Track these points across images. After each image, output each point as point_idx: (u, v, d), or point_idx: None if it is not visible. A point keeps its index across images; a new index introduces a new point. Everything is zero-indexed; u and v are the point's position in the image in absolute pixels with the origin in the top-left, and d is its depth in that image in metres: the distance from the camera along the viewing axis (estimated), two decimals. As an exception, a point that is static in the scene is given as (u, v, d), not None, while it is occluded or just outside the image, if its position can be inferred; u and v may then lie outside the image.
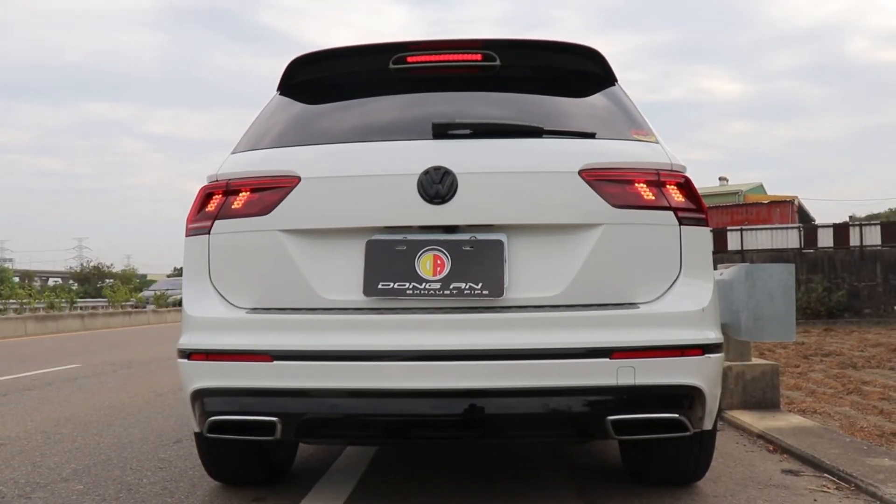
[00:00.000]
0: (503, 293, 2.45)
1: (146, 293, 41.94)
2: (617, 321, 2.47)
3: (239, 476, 3.30)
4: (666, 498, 3.08)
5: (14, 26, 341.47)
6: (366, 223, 2.55)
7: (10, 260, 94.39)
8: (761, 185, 49.39)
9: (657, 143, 2.73)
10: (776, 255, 23.48)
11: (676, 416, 2.46)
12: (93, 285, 68.27)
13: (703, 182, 48.35)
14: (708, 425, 2.61)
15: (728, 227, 26.86)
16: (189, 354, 2.59)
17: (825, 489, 3.28)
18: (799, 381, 7.13)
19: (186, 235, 2.75)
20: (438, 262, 2.48)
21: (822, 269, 22.92)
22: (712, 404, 2.56)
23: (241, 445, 3.08)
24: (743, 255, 23.86)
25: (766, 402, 5.08)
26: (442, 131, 2.63)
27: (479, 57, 2.94)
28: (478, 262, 2.47)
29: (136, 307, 35.58)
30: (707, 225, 2.67)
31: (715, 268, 3.33)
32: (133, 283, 62.78)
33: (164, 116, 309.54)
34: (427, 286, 2.45)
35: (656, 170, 2.59)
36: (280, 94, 3.11)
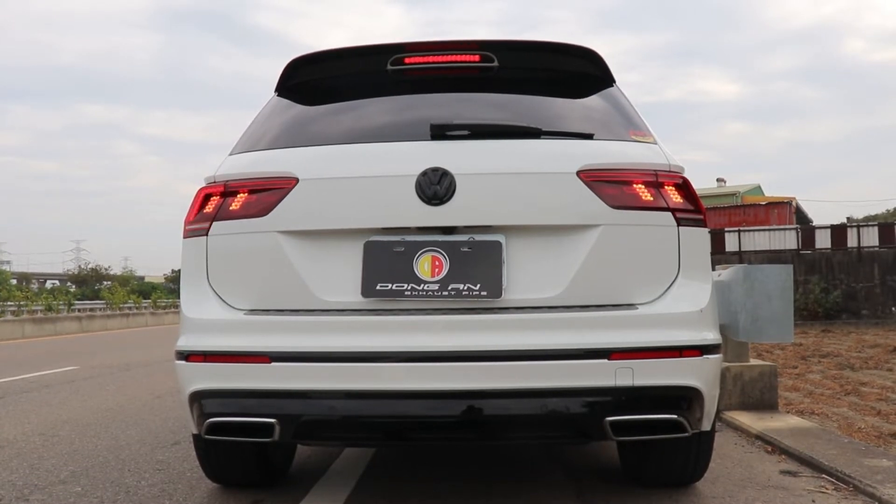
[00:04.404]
0: (501, 294, 2.45)
1: None
2: (615, 322, 2.46)
3: (237, 478, 3.29)
4: (664, 499, 3.08)
5: (8, 28, 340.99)
6: (364, 224, 2.55)
7: (8, 262, 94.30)
8: (759, 187, 49.46)
9: (655, 143, 2.73)
10: (774, 256, 23.50)
11: (675, 417, 2.46)
12: (91, 287, 68.22)
13: (701, 183, 48.34)
14: (706, 426, 2.61)
15: (726, 228, 26.87)
16: (187, 356, 2.58)
17: (823, 490, 3.28)
18: (797, 382, 7.13)
19: (184, 237, 2.74)
20: (437, 263, 2.48)
21: (819, 271, 22.95)
22: (710, 405, 2.56)
23: (239, 447, 3.07)
24: (741, 256, 23.88)
25: (765, 402, 5.08)
26: (440, 132, 2.63)
27: (476, 58, 2.94)
28: (476, 264, 2.47)
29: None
30: (705, 226, 2.67)
31: (713, 269, 3.34)
32: (131, 285, 62.78)
33: (160, 119, 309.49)
34: (425, 287, 2.45)
35: (654, 171, 2.60)
36: (278, 96, 3.10)
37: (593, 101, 2.96)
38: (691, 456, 3.02)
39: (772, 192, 48.83)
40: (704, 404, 2.52)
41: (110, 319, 27.62)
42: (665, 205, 2.56)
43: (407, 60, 2.95)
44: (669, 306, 2.51)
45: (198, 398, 2.55)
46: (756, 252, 24.49)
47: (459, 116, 2.80)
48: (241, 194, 2.65)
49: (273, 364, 2.45)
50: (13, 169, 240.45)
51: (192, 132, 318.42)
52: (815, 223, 31.32)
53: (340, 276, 2.53)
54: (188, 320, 2.64)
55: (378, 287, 2.47)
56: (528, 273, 2.51)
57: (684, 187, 2.62)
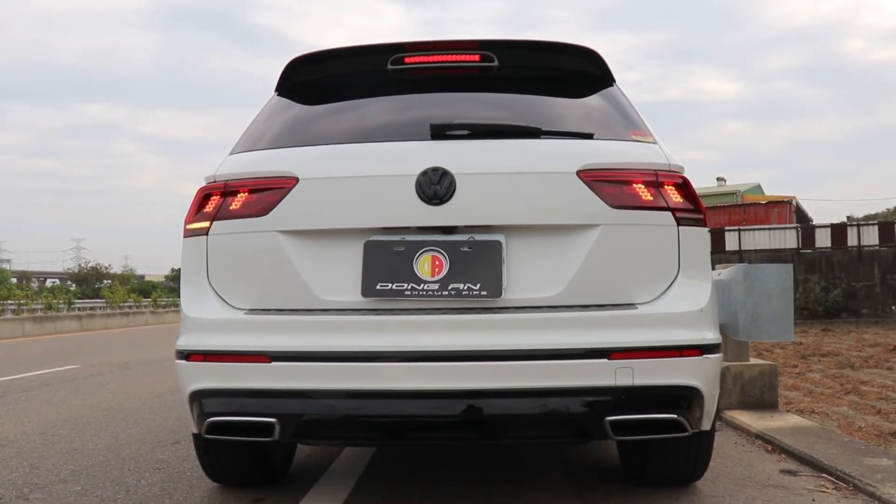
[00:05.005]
0: (501, 294, 2.45)
1: None
2: (615, 322, 2.47)
3: (237, 477, 3.29)
4: (664, 498, 3.09)
5: (9, 28, 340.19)
6: (364, 224, 2.55)
7: (8, 261, 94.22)
8: (759, 186, 49.43)
9: (655, 143, 2.73)
10: (774, 256, 23.49)
11: (675, 416, 2.46)
12: (91, 286, 68.26)
13: (701, 182, 48.32)
14: (706, 425, 2.61)
15: (726, 228, 26.84)
16: (187, 355, 2.58)
17: (823, 489, 3.28)
18: (797, 381, 7.13)
19: (184, 236, 2.75)
20: (437, 262, 2.48)
21: (819, 270, 22.94)
22: (710, 405, 2.56)
23: (239, 446, 3.07)
24: (741, 256, 23.87)
25: (765, 402, 5.08)
26: (440, 132, 2.63)
27: (477, 58, 2.94)
28: (476, 263, 2.47)
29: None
30: (705, 225, 2.67)
31: (713, 268, 3.34)
32: (131, 283, 62.83)
33: (160, 118, 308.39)
34: (425, 287, 2.45)
35: (654, 170, 2.60)
36: (278, 95, 3.11)
37: (593, 100, 2.96)
38: (691, 455, 3.03)
39: (772, 191, 48.80)
40: (704, 404, 2.52)
41: (110, 318, 27.66)
42: (665, 204, 2.56)
43: (407, 60, 2.95)
44: (669, 306, 2.51)
45: (198, 397, 2.55)
46: (756, 251, 24.48)
47: (459, 116, 2.80)
48: (242, 194, 2.65)
49: (273, 364, 2.45)
50: (13, 168, 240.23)
51: (192, 131, 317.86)
52: (815, 222, 31.31)
53: (340, 276, 2.53)
54: (188, 320, 2.64)
55: (378, 287, 2.47)
56: (528, 273, 2.51)
57: (684, 187, 2.62)
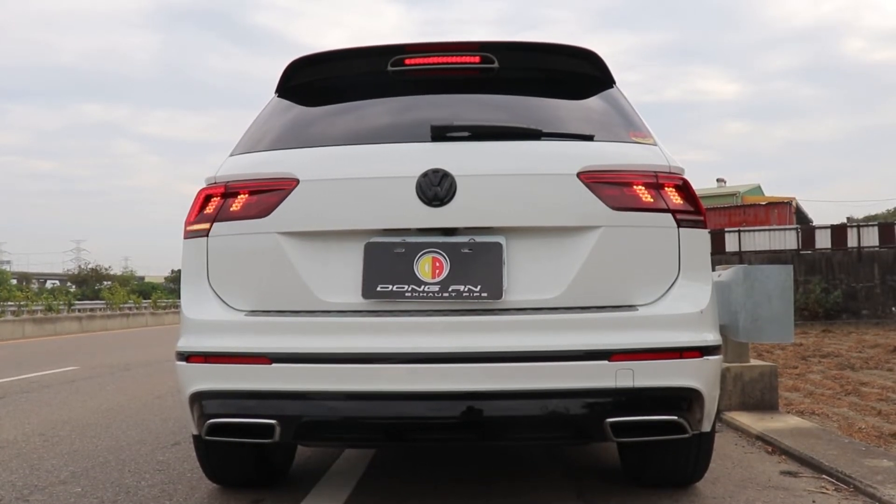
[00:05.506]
0: (502, 295, 2.45)
1: None
2: (616, 323, 2.47)
3: (237, 478, 3.29)
4: (664, 499, 3.09)
5: (8, 28, 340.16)
6: (364, 226, 2.55)
7: (8, 262, 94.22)
8: (759, 187, 49.44)
9: (655, 145, 2.73)
10: (774, 257, 23.50)
11: (675, 418, 2.46)
12: (91, 287, 68.21)
13: (701, 183, 48.27)
14: (706, 427, 2.61)
15: (726, 229, 26.86)
16: (187, 357, 2.58)
17: (824, 490, 3.28)
18: (797, 382, 7.14)
19: (185, 238, 2.75)
20: (437, 264, 2.48)
21: (819, 271, 22.94)
22: (711, 406, 2.56)
23: (239, 448, 3.07)
24: (741, 257, 23.87)
25: (765, 403, 5.09)
26: (440, 134, 2.63)
27: (477, 59, 2.94)
28: (476, 265, 2.47)
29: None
30: (705, 227, 2.67)
31: (713, 269, 3.34)
32: (131, 285, 62.82)
33: (160, 118, 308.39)
34: (426, 289, 2.45)
35: (654, 172, 2.60)
36: (278, 97, 3.11)
37: (593, 102, 2.97)
38: (691, 456, 3.03)
39: (772, 191, 48.84)
40: (705, 405, 2.52)
41: (110, 319, 27.63)
42: (665, 206, 2.57)
43: (407, 61, 2.95)
44: (670, 307, 2.51)
45: (198, 399, 2.55)
46: (756, 252, 24.48)
47: (460, 118, 2.80)
48: (242, 195, 2.65)
49: (273, 365, 2.45)
50: (13, 168, 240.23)
51: (193, 131, 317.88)
52: (815, 223, 31.32)
53: (341, 277, 2.53)
54: (189, 321, 2.64)
55: (379, 288, 2.47)
56: (528, 274, 2.51)
57: (684, 188, 2.62)
